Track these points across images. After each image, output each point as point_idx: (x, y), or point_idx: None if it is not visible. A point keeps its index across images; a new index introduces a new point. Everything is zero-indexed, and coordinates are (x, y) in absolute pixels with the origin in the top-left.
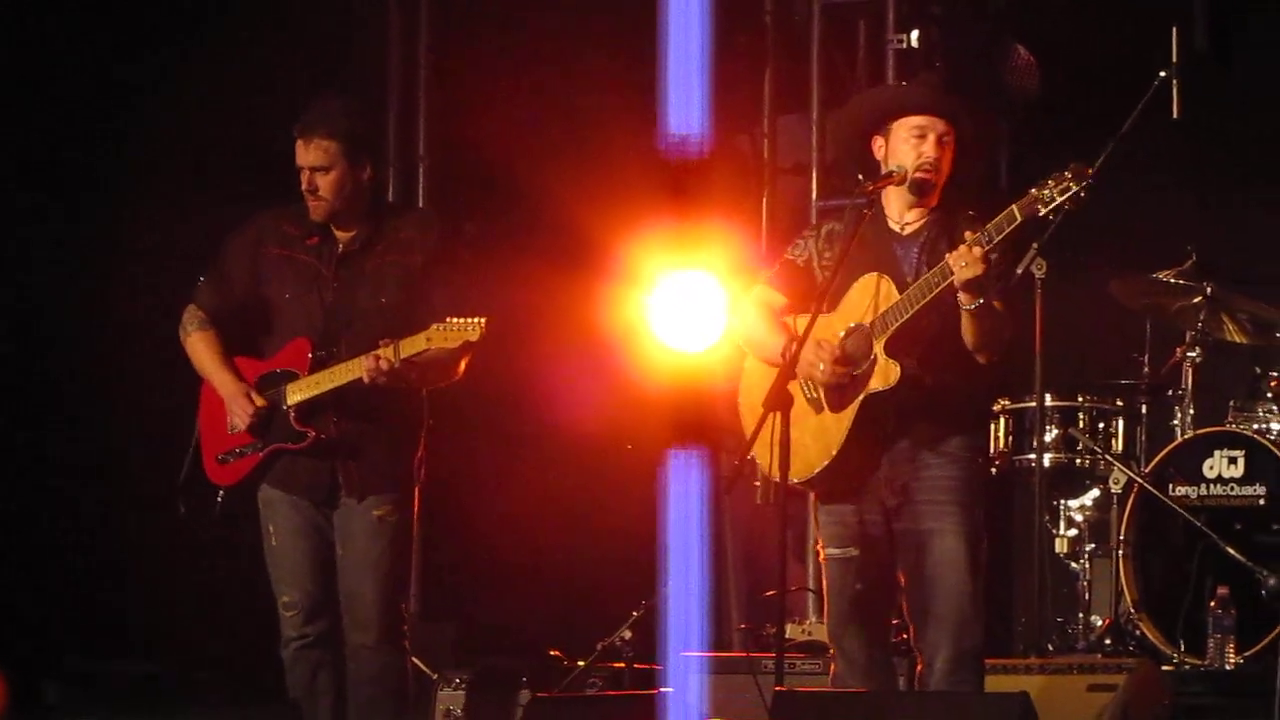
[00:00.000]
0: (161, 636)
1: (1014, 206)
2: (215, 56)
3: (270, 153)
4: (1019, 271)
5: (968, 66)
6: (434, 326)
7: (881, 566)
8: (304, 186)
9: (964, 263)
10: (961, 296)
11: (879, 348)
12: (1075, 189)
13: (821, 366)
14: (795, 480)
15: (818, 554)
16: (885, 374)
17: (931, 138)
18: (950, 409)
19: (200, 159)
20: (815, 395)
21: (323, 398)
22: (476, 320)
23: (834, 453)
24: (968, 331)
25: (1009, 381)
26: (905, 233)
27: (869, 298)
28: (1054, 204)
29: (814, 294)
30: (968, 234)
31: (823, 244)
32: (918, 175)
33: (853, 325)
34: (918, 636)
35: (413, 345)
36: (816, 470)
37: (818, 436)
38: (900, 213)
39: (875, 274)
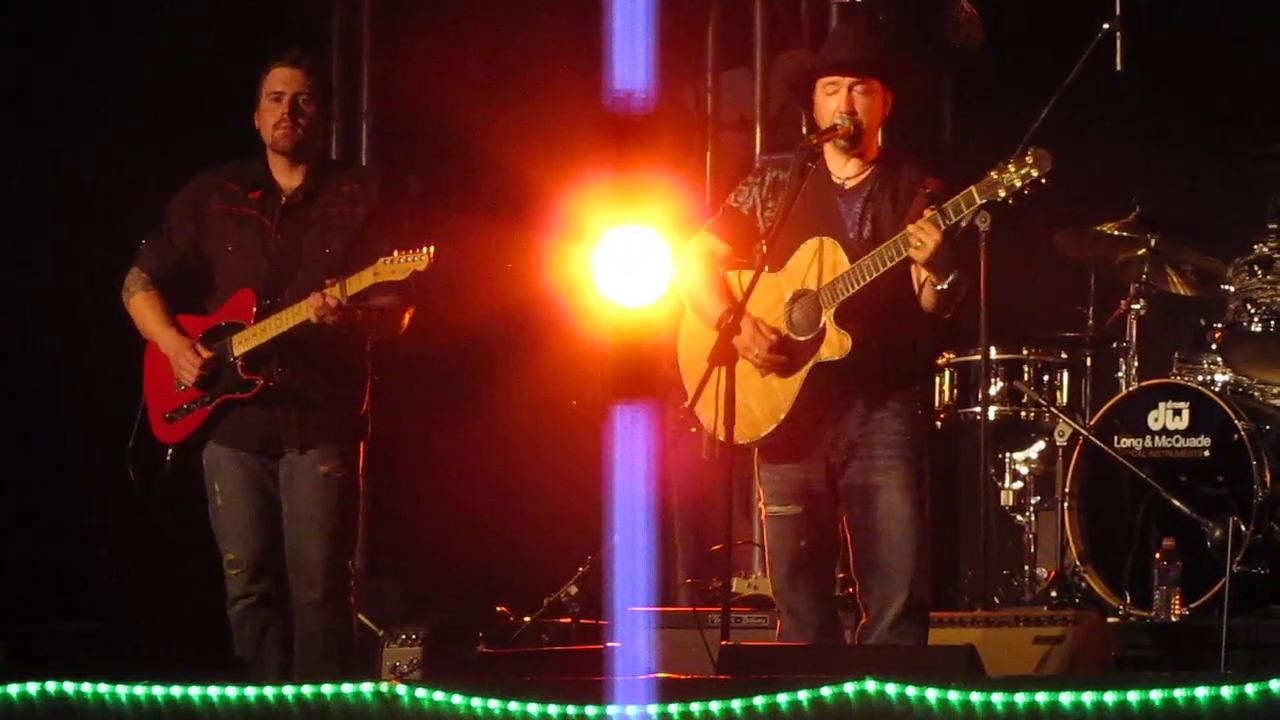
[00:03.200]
0: (108, 596)
1: (973, 189)
2: (155, 18)
3: (210, 113)
4: (963, 225)
5: (910, 19)
6: (381, 260)
7: (824, 523)
8: (285, 112)
9: (918, 243)
10: (931, 276)
11: (828, 317)
12: (1037, 175)
13: (756, 352)
14: (741, 441)
15: (760, 512)
16: (836, 344)
17: (843, 92)
18: (896, 368)
19: (139, 121)
20: None
21: (269, 345)
22: (425, 250)
23: (781, 417)
24: (929, 300)
25: (954, 335)
26: (848, 187)
27: (817, 262)
28: (1014, 189)
29: (756, 242)
30: (926, 211)
31: (767, 193)
32: (837, 128)
33: (800, 290)
34: (863, 590)
35: (360, 281)
36: (763, 434)
37: (763, 399)
38: (840, 167)
39: (824, 238)
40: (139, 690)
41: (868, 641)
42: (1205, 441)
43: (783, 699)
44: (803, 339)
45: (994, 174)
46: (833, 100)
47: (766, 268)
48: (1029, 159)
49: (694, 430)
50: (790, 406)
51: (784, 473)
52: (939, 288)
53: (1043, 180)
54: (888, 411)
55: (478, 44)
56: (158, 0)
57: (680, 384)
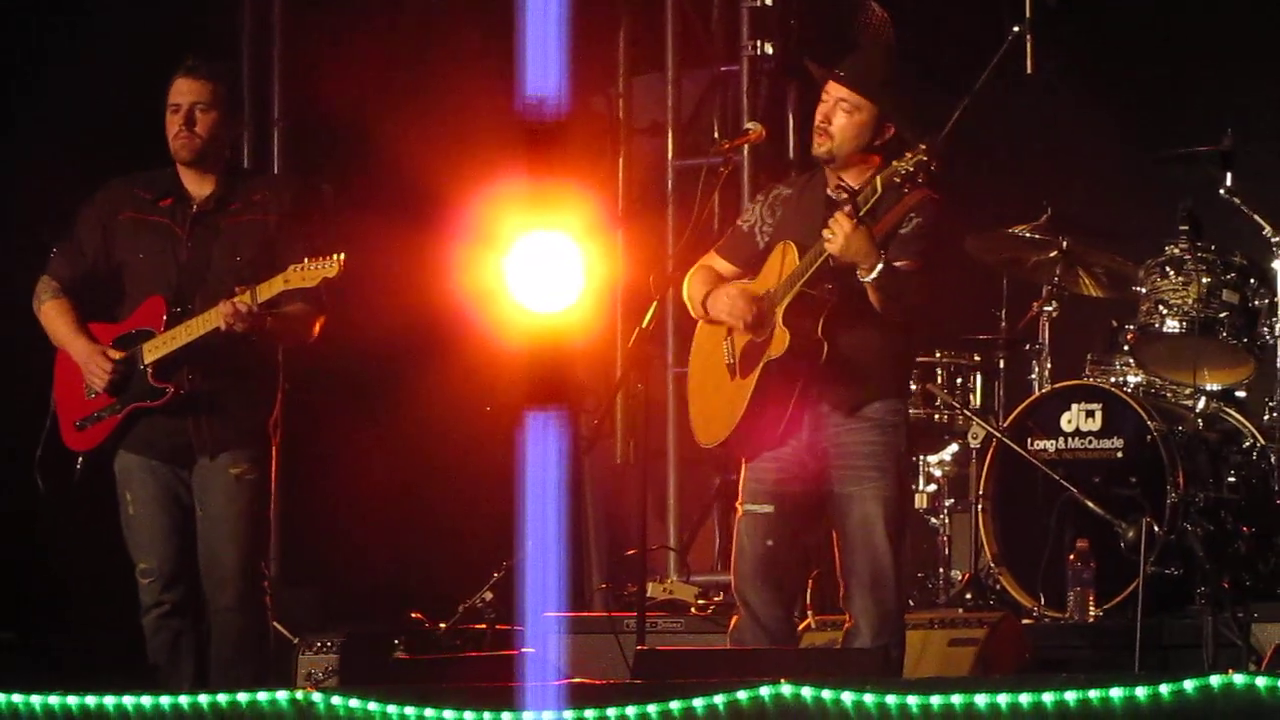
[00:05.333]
0: (20, 605)
1: (877, 178)
2: (67, 26)
3: (123, 121)
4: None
5: (821, 24)
6: (291, 268)
7: (794, 526)
8: (180, 122)
9: (829, 235)
10: (857, 269)
11: (778, 315)
12: (926, 160)
13: (741, 307)
14: (712, 443)
15: (735, 510)
16: (779, 341)
17: (830, 101)
18: (865, 373)
19: (52, 129)
20: (732, 360)
21: (179, 353)
22: (335, 257)
23: (738, 417)
24: (871, 296)
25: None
26: (840, 199)
27: (778, 265)
28: (908, 175)
29: (759, 259)
30: (840, 210)
31: (767, 210)
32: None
33: (765, 293)
34: (846, 597)
35: (270, 288)
36: (725, 435)
37: (730, 401)
38: (835, 181)
39: (787, 241)
40: (53, 700)
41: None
42: (1118, 443)
43: (698, 703)
44: (759, 340)
45: (894, 162)
46: (820, 108)
47: (747, 277)
48: (922, 148)
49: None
50: (746, 406)
51: (760, 472)
52: (865, 280)
53: (931, 165)
54: (863, 421)
55: (389, 51)
56: (70, 8)
57: (594, 389)
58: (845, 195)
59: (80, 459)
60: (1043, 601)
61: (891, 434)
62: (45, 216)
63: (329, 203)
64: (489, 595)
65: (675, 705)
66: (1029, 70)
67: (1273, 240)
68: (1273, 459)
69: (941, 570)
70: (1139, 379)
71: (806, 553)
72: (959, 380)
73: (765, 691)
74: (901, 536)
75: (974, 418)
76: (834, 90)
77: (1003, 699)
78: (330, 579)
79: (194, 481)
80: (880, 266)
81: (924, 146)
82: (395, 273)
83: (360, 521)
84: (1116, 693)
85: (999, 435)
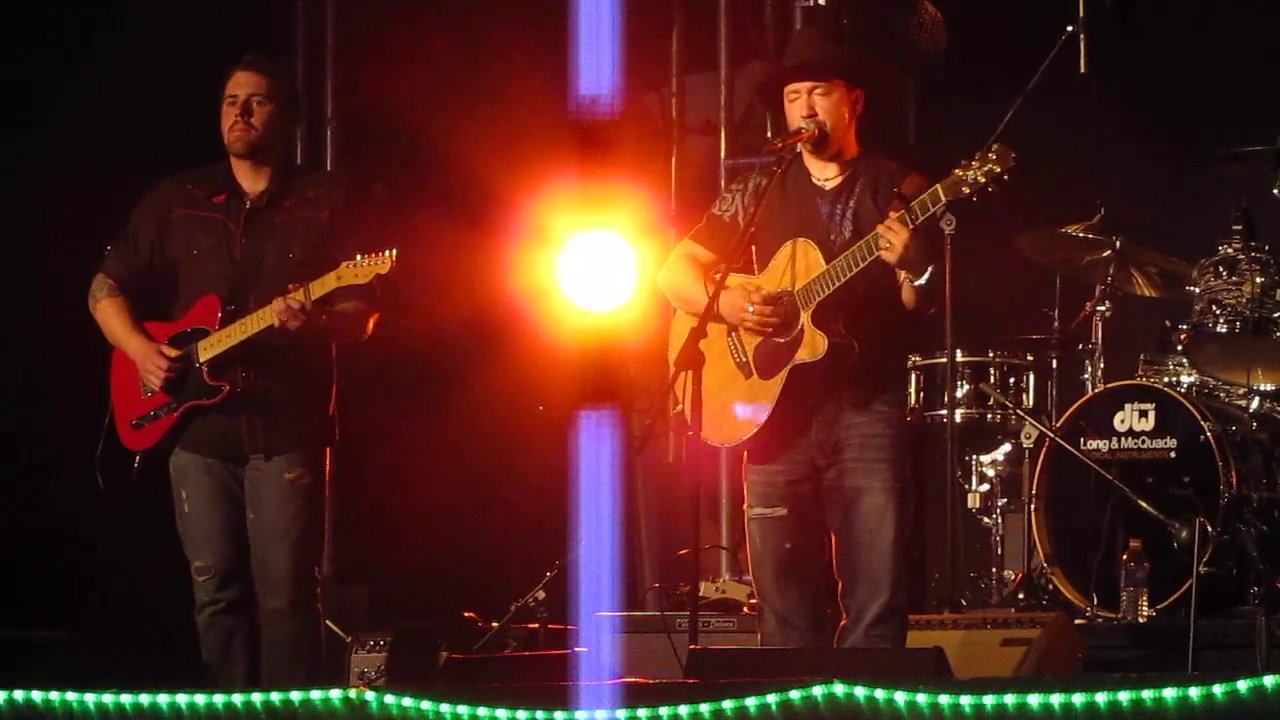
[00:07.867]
0: (75, 603)
1: (939, 186)
2: (122, 24)
3: (178, 119)
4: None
5: (875, 23)
6: (343, 265)
7: (809, 525)
8: (237, 113)
9: (887, 244)
10: (908, 274)
11: (805, 318)
12: (999, 171)
13: (750, 308)
14: (727, 443)
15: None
16: (813, 345)
17: (803, 98)
18: (876, 369)
19: (107, 126)
20: (745, 359)
21: (234, 351)
22: (387, 253)
23: (763, 419)
24: (910, 297)
25: (920, 337)
26: (828, 188)
27: (795, 263)
28: (978, 185)
29: (736, 247)
30: (892, 213)
31: (749, 199)
32: (801, 131)
33: (780, 291)
34: (845, 592)
35: (323, 285)
36: (747, 436)
37: (748, 401)
38: (820, 169)
39: (802, 239)
40: (107, 698)
41: (845, 643)
42: (1171, 443)
43: (751, 703)
44: (782, 340)
45: (958, 171)
46: (795, 106)
47: (749, 271)
48: (991, 155)
49: (669, 440)
50: (772, 408)
51: (769, 474)
52: (917, 284)
53: (1005, 176)
54: (871, 414)
55: (443, 49)
56: (124, 6)
57: (647, 389)
58: (897, 199)
59: (138, 458)
60: (1095, 601)
61: (897, 425)
62: (98, 214)
63: (382, 200)
64: (542, 594)
65: (728, 705)
66: (1083, 70)
67: None
68: None
69: (994, 570)
70: (1192, 379)
71: (823, 546)
72: (1012, 380)
73: (818, 691)
74: (907, 528)
75: (1027, 417)
76: (799, 85)
77: (1056, 699)
78: (384, 577)
79: (246, 482)
80: (931, 270)
81: (993, 154)
82: (448, 271)
83: (414, 520)
84: (1170, 693)
85: (1052, 435)
